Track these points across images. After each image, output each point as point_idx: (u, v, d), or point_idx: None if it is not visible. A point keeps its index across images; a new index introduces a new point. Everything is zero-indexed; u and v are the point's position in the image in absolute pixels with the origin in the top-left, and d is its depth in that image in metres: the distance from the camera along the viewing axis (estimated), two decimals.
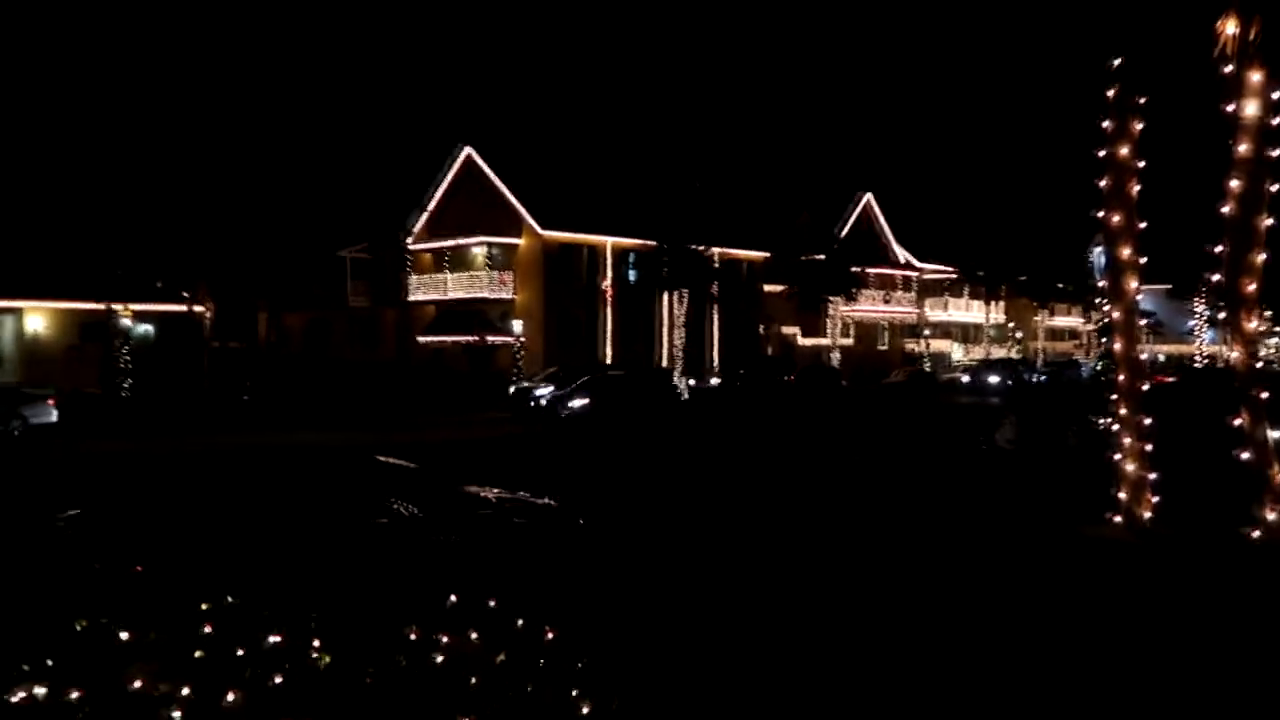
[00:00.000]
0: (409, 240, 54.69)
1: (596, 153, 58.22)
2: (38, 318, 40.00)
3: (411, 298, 53.88)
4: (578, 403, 32.95)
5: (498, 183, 51.48)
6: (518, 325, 46.46)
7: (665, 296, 52.66)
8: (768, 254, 58.65)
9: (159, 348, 42.89)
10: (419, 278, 54.10)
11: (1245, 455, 10.92)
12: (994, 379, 52.44)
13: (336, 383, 38.63)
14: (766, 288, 58.74)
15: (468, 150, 53.05)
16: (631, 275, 52.97)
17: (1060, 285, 66.77)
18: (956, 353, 68.51)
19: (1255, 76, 10.50)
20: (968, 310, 68.93)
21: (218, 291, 55.24)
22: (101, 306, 38.16)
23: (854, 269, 57.53)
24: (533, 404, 34.37)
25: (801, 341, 59.77)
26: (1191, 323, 63.08)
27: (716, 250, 53.68)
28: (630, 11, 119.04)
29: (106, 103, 48.62)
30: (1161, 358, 71.25)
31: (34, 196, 43.08)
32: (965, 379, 55.91)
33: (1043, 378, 51.30)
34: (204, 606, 4.85)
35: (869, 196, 63.82)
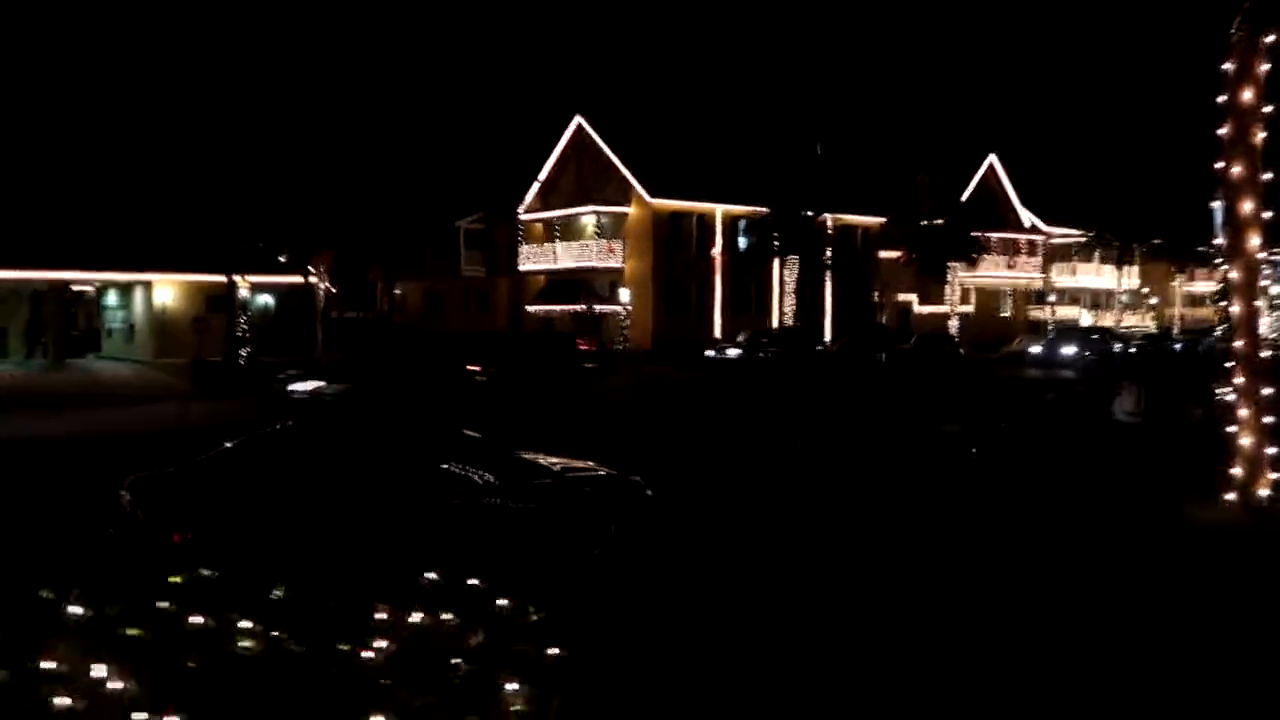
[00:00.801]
0: (521, 210, 55.01)
1: (707, 119, 57.30)
2: (167, 289, 41.66)
3: (523, 267, 54.24)
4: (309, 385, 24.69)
5: (607, 151, 51.26)
6: (625, 294, 46.30)
7: (777, 264, 51.74)
8: (884, 219, 57.01)
9: (279, 318, 44.21)
10: (530, 247, 54.40)
11: None
12: (1069, 350, 45.90)
13: (442, 351, 38.96)
14: (883, 254, 57.13)
15: (579, 120, 52.96)
16: (742, 243, 52.13)
17: (1199, 248, 62.93)
18: (1086, 319, 65.45)
19: None
20: (1098, 275, 65.71)
21: (338, 263, 56.77)
22: (225, 279, 39.40)
23: (975, 233, 55.39)
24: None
25: (919, 309, 58.02)
26: None
27: (829, 216, 52.44)
28: None
29: (234, 85, 50.04)
30: None
31: (162, 173, 44.71)
32: (1035, 349, 48.61)
33: (1177, 346, 48.52)
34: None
35: (993, 158, 61.31)
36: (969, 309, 59.27)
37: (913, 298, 58.00)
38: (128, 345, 42.49)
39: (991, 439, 16.24)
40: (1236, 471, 11.93)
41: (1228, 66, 11.71)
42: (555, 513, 10.60)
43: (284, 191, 52.87)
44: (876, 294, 57.25)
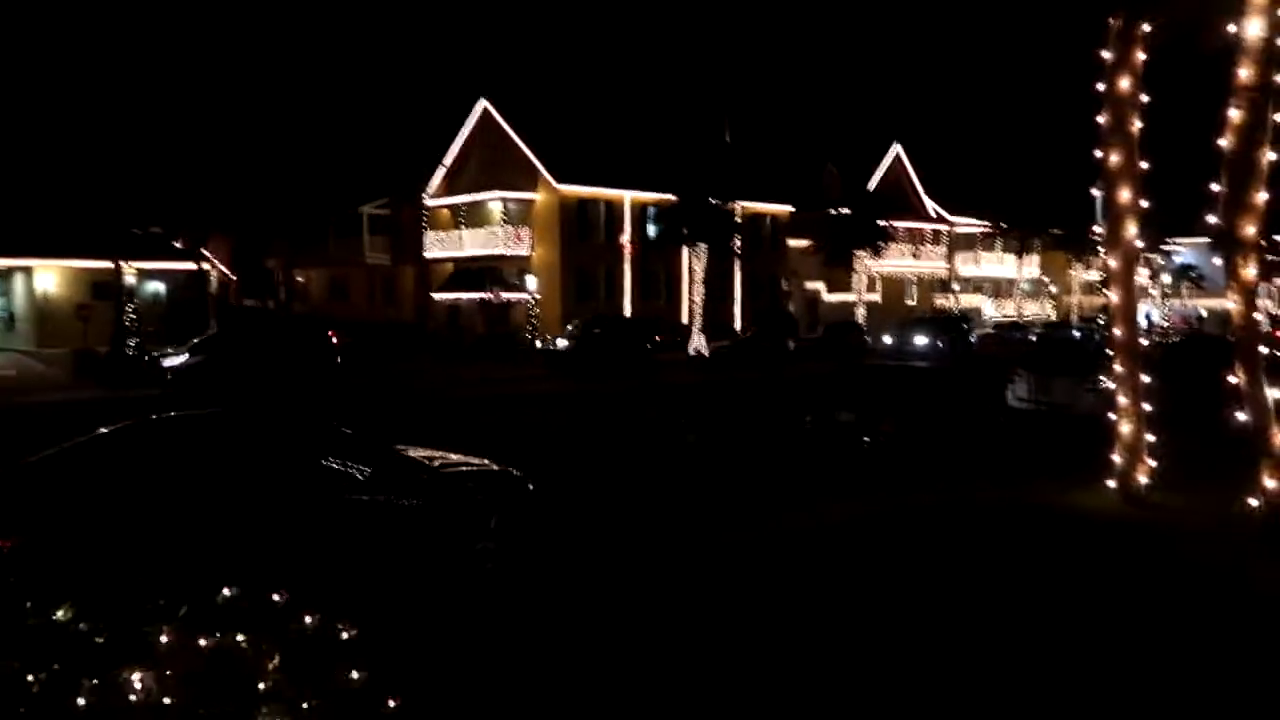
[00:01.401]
0: (427, 196, 53.99)
1: (616, 106, 56.92)
2: (49, 275, 39.90)
3: (429, 254, 53.27)
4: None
5: (514, 136, 50.55)
6: (532, 282, 45.74)
7: (686, 252, 51.59)
8: (792, 208, 57.34)
9: (172, 306, 42.68)
10: (436, 234, 53.43)
11: (1243, 417, 9.91)
12: (921, 340, 44.69)
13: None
14: (791, 242, 57.49)
15: (484, 104, 52.11)
16: (651, 230, 51.87)
17: (1097, 238, 64.69)
18: (988, 308, 66.85)
19: None
20: (1001, 264, 67.16)
21: (235, 249, 55.02)
22: (112, 265, 37.82)
23: (882, 222, 55.97)
24: None
25: (826, 297, 58.55)
26: None
27: (739, 204, 52.46)
28: None
29: (119, 59, 48.01)
30: (1203, 313, 69.23)
31: (45, 153, 42.73)
32: (887, 339, 47.72)
33: (1075, 333, 49.76)
34: None
35: (898, 148, 62.11)
36: (876, 298, 59.97)
37: (820, 286, 58.51)
38: (7, 334, 40.65)
39: (884, 428, 16.20)
40: (1116, 459, 11.99)
41: (1105, 55, 11.71)
42: (436, 508, 10.13)
43: (177, 174, 51.00)
44: (785, 282, 57.58)
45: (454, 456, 11.51)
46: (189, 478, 9.29)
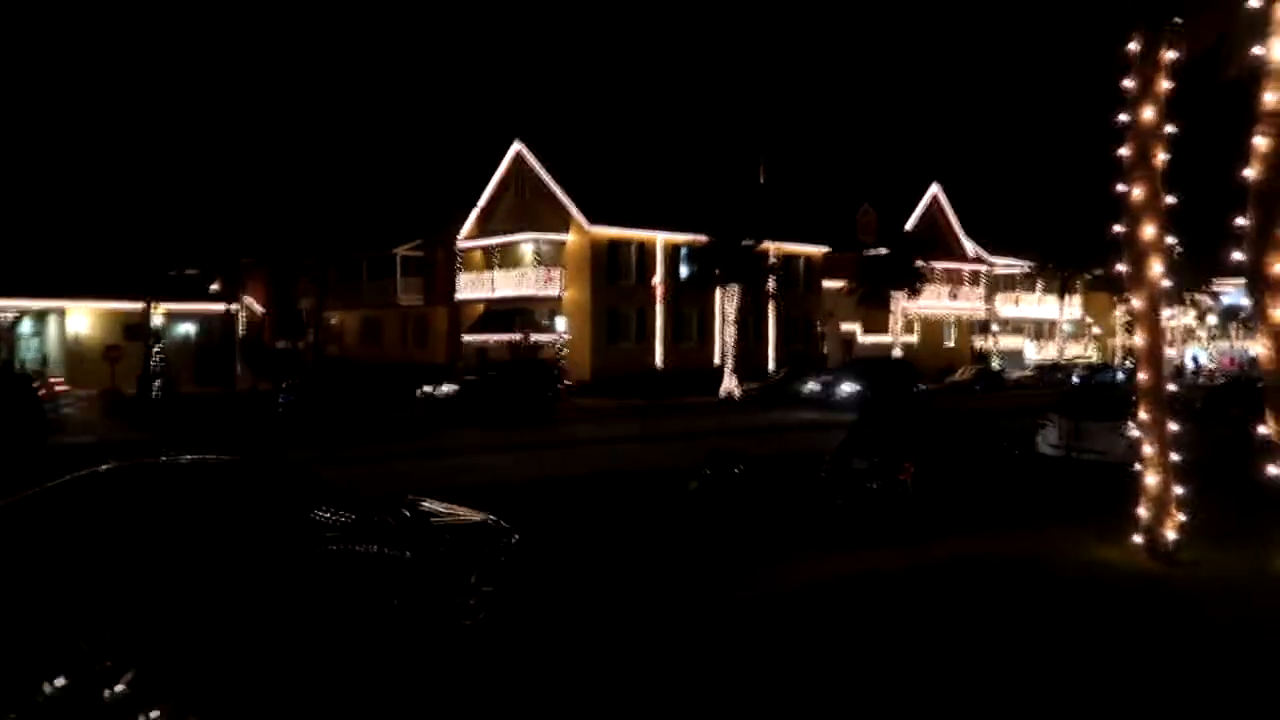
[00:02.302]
0: (460, 237, 54.06)
1: (649, 146, 56.85)
2: (81, 317, 40.20)
3: (460, 296, 53.20)
4: None
5: (546, 178, 50.50)
6: (561, 323, 45.38)
7: (719, 293, 51.05)
8: (828, 248, 56.70)
9: (200, 347, 42.85)
10: (468, 275, 53.39)
11: (1275, 471, 9.13)
12: (847, 388, 40.81)
13: (371, 385, 37.93)
14: (826, 283, 56.76)
15: (518, 146, 52.18)
16: (684, 271, 51.44)
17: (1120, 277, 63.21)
18: (1029, 350, 65.49)
19: None
20: (1041, 305, 65.85)
21: (270, 290, 55.41)
22: (143, 306, 38.04)
23: (919, 263, 55.12)
24: None
25: (862, 339, 57.62)
26: None
27: (773, 245, 51.99)
28: (684, 2, 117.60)
29: (160, 103, 48.76)
30: (1253, 355, 67.43)
31: (81, 195, 43.29)
32: (812, 386, 43.99)
33: (1119, 376, 48.44)
34: None
35: (937, 188, 61.30)
36: (913, 339, 58.94)
37: (856, 327, 57.60)
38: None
39: (901, 476, 15.44)
40: (1142, 512, 11.19)
41: (1128, 83, 11.08)
42: (408, 562, 9.59)
43: (214, 216, 51.59)
44: (820, 323, 56.81)
45: (435, 505, 11.00)
46: (138, 528, 8.81)
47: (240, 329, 41.47)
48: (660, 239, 50.99)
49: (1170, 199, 11.10)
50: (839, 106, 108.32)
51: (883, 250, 54.99)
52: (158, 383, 34.20)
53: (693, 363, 50.49)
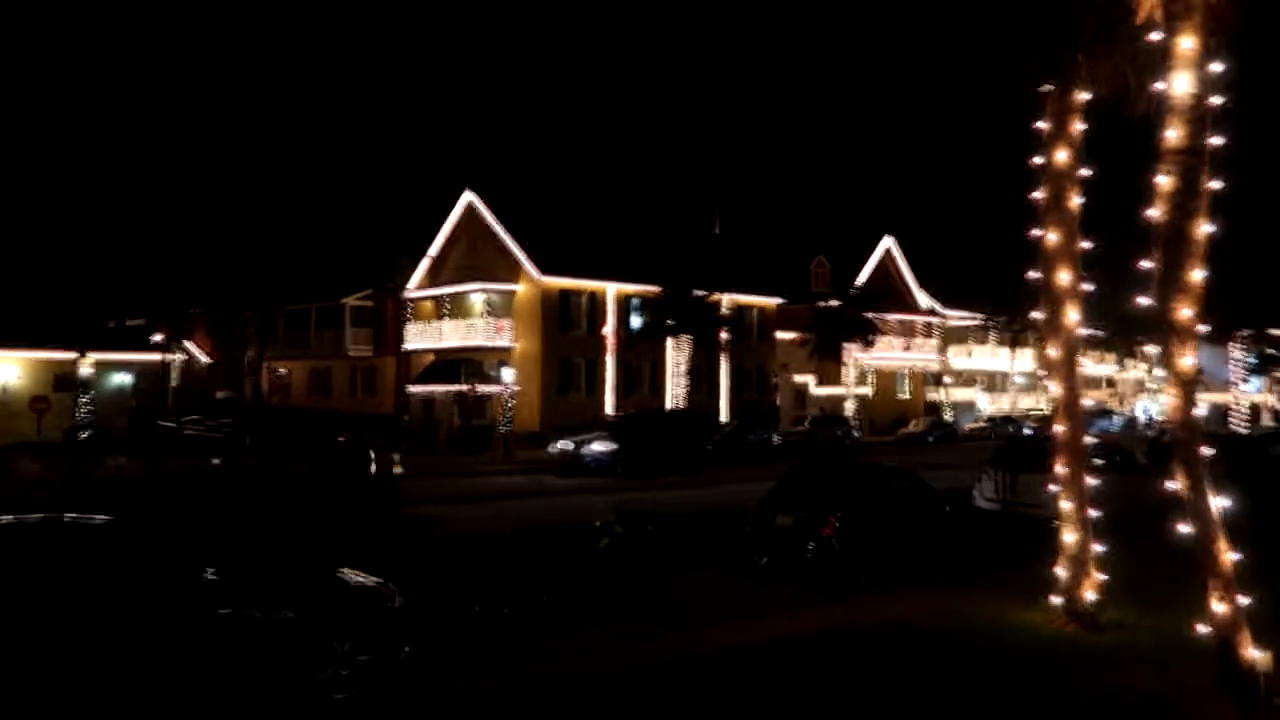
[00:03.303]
0: (410, 287, 53.41)
1: (602, 197, 56.70)
2: (11, 367, 38.98)
3: (409, 346, 52.41)
4: None
5: (497, 228, 50.09)
6: (508, 374, 44.66)
7: (671, 344, 50.69)
8: (781, 300, 56.60)
9: (139, 397, 41.66)
10: (418, 326, 52.67)
11: (1185, 529, 8.63)
12: (600, 448, 33.10)
13: (310, 437, 36.78)
14: (780, 335, 56.55)
15: (469, 196, 51.81)
16: (635, 322, 51.04)
17: (1091, 331, 63.61)
18: (982, 401, 65.52)
19: (1186, 43, 8.36)
20: (994, 357, 66.01)
21: (216, 340, 54.36)
22: (75, 356, 36.97)
23: (872, 315, 55.13)
24: None
25: (815, 390, 57.35)
26: (1230, 370, 59.63)
27: (727, 296, 51.83)
28: (636, 54, 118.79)
29: (106, 154, 48.06)
30: (1203, 407, 67.93)
31: (18, 243, 42.32)
32: (564, 446, 37.47)
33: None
34: None
35: (890, 240, 61.57)
36: (867, 390, 58.76)
37: (810, 379, 57.34)
38: None
39: (825, 532, 14.86)
40: (1060, 572, 10.65)
41: (1042, 125, 10.73)
42: (264, 630, 8.81)
43: (160, 266, 50.69)
44: (773, 375, 56.52)
45: (314, 565, 10.26)
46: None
47: (174, 379, 40.28)
48: (612, 289, 50.61)
49: (1086, 244, 10.72)
50: (793, 160, 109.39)
51: (835, 302, 54.98)
52: (85, 434, 32.96)
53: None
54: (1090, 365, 71.85)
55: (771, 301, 56.44)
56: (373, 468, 21.25)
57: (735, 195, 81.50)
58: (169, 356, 39.59)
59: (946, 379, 62.65)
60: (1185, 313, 8.43)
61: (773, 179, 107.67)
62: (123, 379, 41.37)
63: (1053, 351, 10.73)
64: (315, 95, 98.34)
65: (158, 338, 46.39)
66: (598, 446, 33.11)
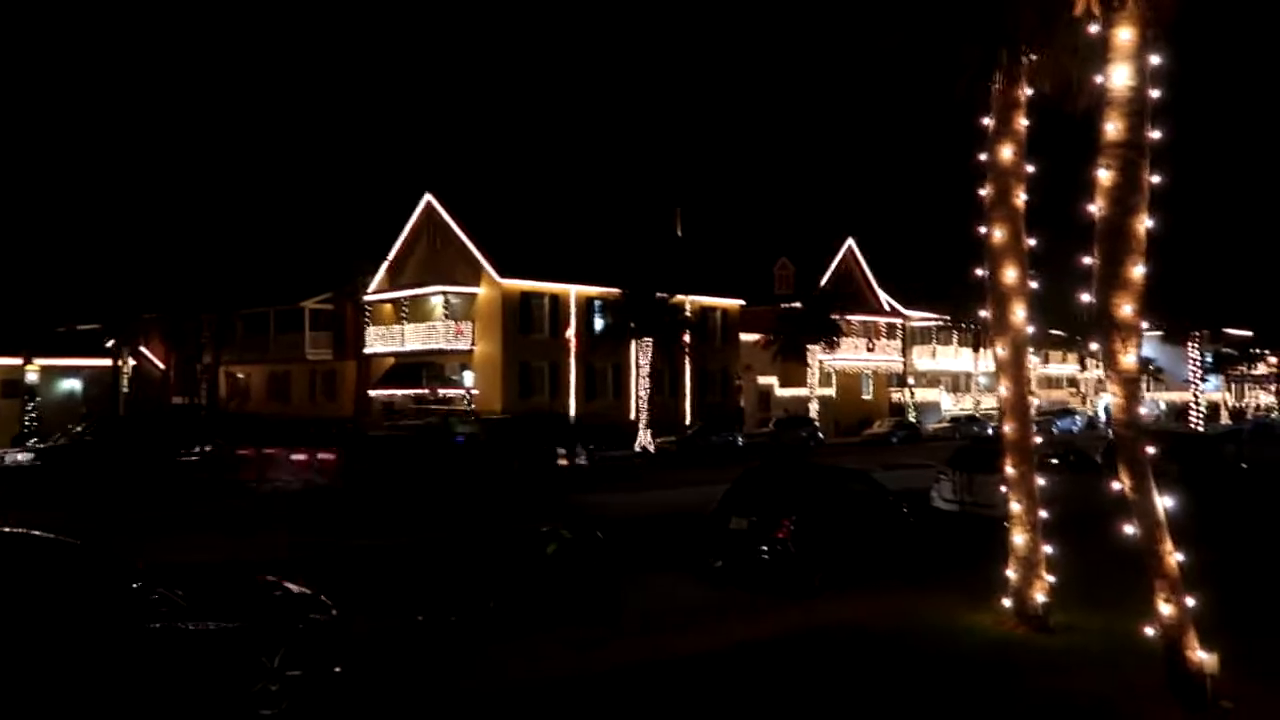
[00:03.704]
0: (370, 290, 52.82)
1: (563, 199, 56.41)
2: None
3: (369, 350, 51.80)
4: None
5: (457, 230, 49.62)
6: (469, 377, 44.26)
7: (634, 347, 50.45)
8: (744, 302, 56.52)
9: (89, 403, 40.85)
10: (378, 329, 52.08)
11: (1131, 530, 8.48)
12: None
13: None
14: (744, 336, 56.47)
15: (429, 198, 51.28)
16: (598, 325, 50.74)
17: (1053, 331, 64.18)
18: (946, 402, 65.82)
19: (1124, 34, 8.22)
20: (957, 357, 66.33)
21: (170, 345, 53.44)
22: (21, 362, 36.14)
23: (835, 316, 55.15)
24: None
25: (779, 392, 57.30)
26: (1189, 369, 60.19)
27: (689, 298, 51.67)
28: (597, 55, 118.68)
29: (52, 145, 47.12)
30: (1163, 405, 68.56)
31: None
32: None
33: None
34: None
35: (851, 242, 61.64)
36: (830, 391, 58.78)
37: (774, 380, 57.30)
38: None
39: (779, 535, 14.67)
40: (1010, 574, 10.50)
41: (986, 122, 10.58)
42: (189, 643, 8.41)
43: (113, 269, 49.77)
44: (737, 377, 56.42)
45: (264, 580, 9.89)
46: None
47: (125, 385, 39.50)
48: (573, 292, 50.29)
49: (1032, 241, 10.58)
50: (755, 161, 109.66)
51: (798, 304, 54.96)
52: (32, 441, 32.28)
53: (608, 417, 49.55)
54: (1053, 366, 72.47)
55: (735, 303, 56.35)
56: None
57: (697, 197, 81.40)
58: (120, 362, 38.75)
59: (910, 380, 62.87)
60: (1126, 309, 8.28)
61: (735, 180, 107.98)
62: (72, 385, 40.49)
63: (1000, 350, 10.58)
64: (274, 98, 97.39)
65: (110, 343, 45.57)
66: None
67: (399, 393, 48.53)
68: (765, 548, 14.75)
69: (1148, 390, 68.58)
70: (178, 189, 52.73)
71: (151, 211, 52.03)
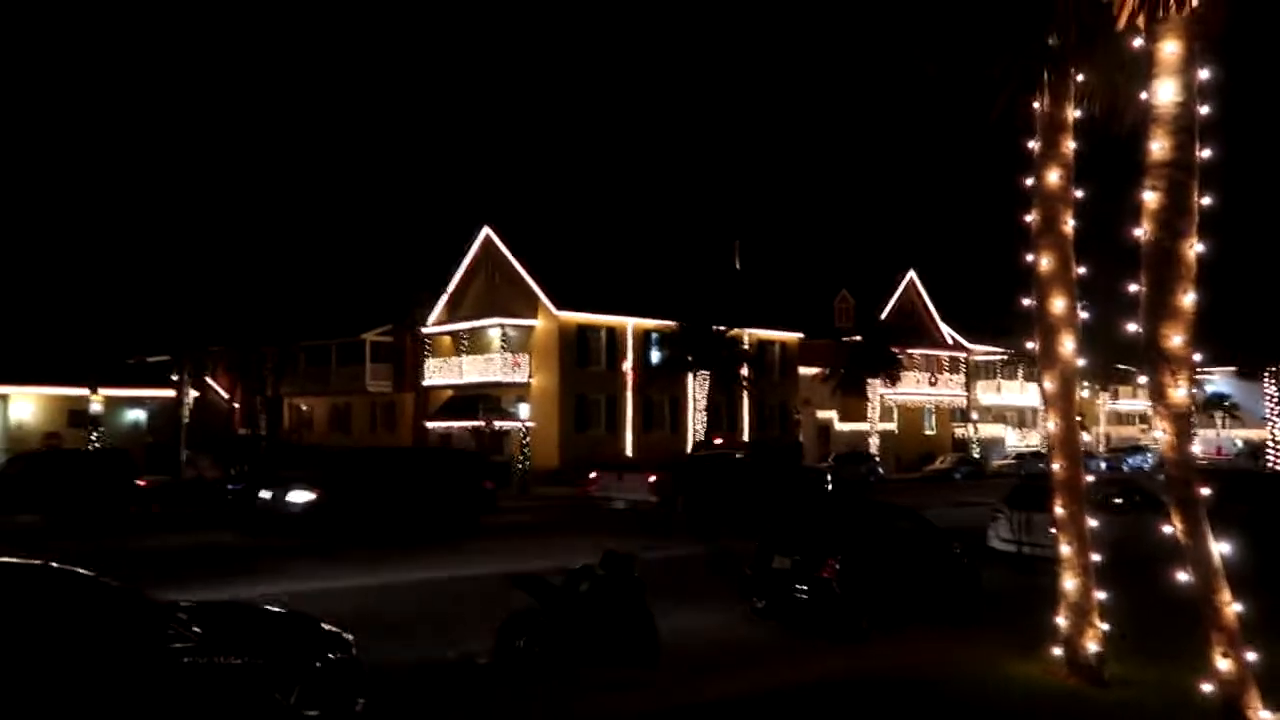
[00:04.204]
0: (429, 322, 53.26)
1: (620, 231, 56.54)
2: (26, 403, 38.96)
3: (428, 382, 52.14)
4: None
5: (514, 263, 49.85)
6: (524, 410, 44.19)
7: (691, 380, 50.10)
8: (802, 334, 55.90)
9: (155, 435, 41.59)
10: (437, 361, 52.41)
11: (1184, 577, 7.92)
12: (300, 497, 23.25)
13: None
14: (803, 370, 55.81)
15: (487, 231, 51.66)
16: (655, 357, 50.49)
17: (1121, 366, 62.44)
18: (1011, 437, 64.28)
19: (1170, 48, 7.76)
20: (1022, 392, 64.78)
21: (238, 376, 54.41)
22: (88, 392, 36.91)
23: (895, 349, 54.29)
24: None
25: (839, 426, 56.45)
26: (1266, 405, 57.92)
27: (748, 331, 51.25)
28: (657, 89, 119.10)
29: (129, 192, 48.50)
30: (1239, 443, 66.25)
31: (37, 279, 42.61)
32: (264, 495, 24.38)
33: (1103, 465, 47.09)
34: None
35: (912, 274, 60.78)
36: (891, 426, 57.77)
37: (833, 415, 56.48)
38: None
39: (823, 574, 14.17)
40: (1061, 621, 9.93)
41: (1032, 145, 10.14)
42: (196, 678, 8.17)
43: (183, 302, 50.91)
44: (796, 410, 55.70)
45: (268, 608, 9.73)
46: None
47: (185, 415, 40.15)
48: (630, 324, 50.14)
49: (1081, 270, 10.08)
50: (815, 193, 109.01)
51: (858, 337, 54.21)
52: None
53: (664, 451, 49.13)
54: (1123, 401, 70.41)
55: (793, 336, 55.75)
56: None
57: (756, 229, 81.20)
58: (187, 392, 39.46)
59: (974, 415, 61.53)
60: (1175, 340, 7.77)
61: (794, 213, 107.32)
62: (137, 415, 41.27)
63: (1048, 384, 10.07)
64: (337, 133, 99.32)
65: (176, 376, 46.46)
66: (296, 496, 23.41)
67: (455, 424, 48.69)
68: (808, 588, 14.27)
69: (1224, 428, 66.35)
70: (246, 223, 53.90)
71: (221, 246, 53.31)
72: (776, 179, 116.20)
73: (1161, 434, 7.97)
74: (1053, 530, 10.20)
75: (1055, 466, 9.97)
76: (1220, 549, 7.79)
